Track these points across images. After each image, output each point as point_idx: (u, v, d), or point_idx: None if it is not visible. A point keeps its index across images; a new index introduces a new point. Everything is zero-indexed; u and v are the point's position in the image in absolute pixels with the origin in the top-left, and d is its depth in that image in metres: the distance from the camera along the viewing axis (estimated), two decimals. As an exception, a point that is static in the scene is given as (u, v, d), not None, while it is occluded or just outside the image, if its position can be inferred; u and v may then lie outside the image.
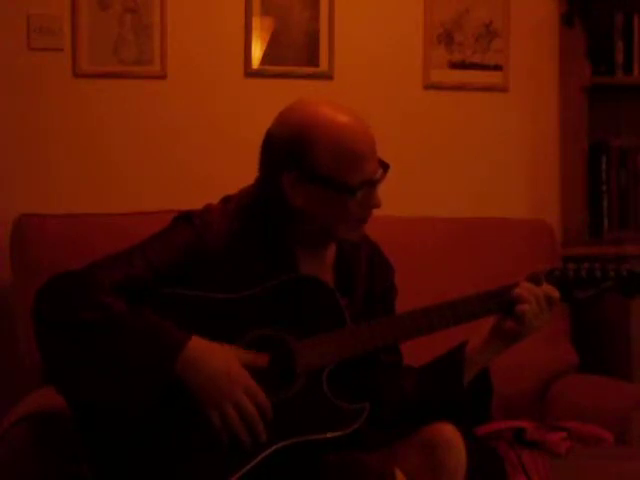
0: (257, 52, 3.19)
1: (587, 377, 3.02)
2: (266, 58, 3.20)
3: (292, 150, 1.96)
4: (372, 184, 1.98)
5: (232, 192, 2.12)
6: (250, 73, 3.19)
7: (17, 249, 2.72)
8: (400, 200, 3.15)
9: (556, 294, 1.98)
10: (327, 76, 3.23)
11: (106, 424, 1.87)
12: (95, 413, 1.87)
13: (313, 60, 3.22)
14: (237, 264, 2.00)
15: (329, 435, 1.90)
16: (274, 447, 1.87)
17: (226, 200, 2.10)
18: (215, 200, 2.10)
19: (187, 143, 3.14)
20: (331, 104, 2.01)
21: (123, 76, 3.09)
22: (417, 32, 3.32)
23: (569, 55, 3.40)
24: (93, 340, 1.84)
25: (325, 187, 1.96)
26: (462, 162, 3.38)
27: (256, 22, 3.18)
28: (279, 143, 1.99)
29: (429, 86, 3.35)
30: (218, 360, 1.86)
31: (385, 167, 2.01)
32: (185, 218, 2.04)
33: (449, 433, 1.91)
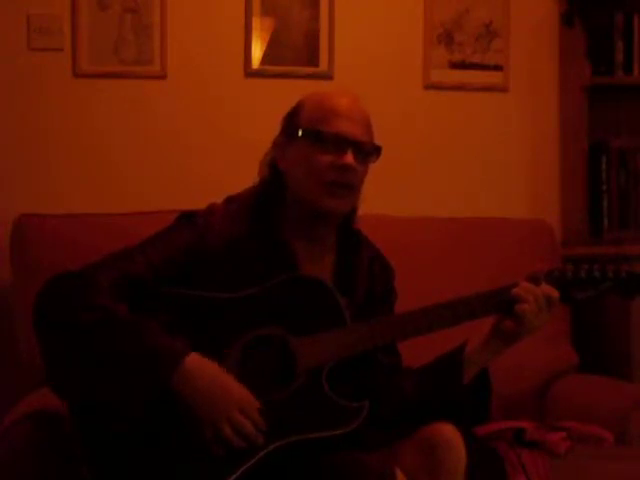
0: (257, 52, 3.19)
1: (587, 377, 3.02)
2: (266, 58, 3.20)
3: (287, 120, 2.07)
4: (344, 142, 2.01)
5: (232, 192, 2.12)
6: (250, 73, 3.19)
7: (17, 249, 2.72)
8: (400, 200, 3.16)
9: (555, 294, 1.98)
10: (327, 76, 3.23)
11: (106, 425, 1.87)
12: (95, 414, 1.87)
13: (313, 60, 3.22)
14: (237, 264, 2.01)
15: (329, 433, 1.90)
16: (273, 446, 1.87)
17: (229, 200, 2.11)
18: (214, 200, 2.10)
19: (187, 143, 3.14)
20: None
21: (123, 76, 3.09)
22: (417, 32, 3.32)
23: (569, 55, 3.40)
24: (91, 343, 1.84)
25: (301, 139, 2.02)
26: (462, 162, 3.38)
27: (256, 22, 3.18)
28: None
29: (429, 86, 3.35)
30: (214, 377, 1.86)
31: (377, 150, 2.05)
32: (188, 218, 2.05)
33: (449, 433, 1.91)
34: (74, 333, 1.85)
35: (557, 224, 3.40)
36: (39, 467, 2.10)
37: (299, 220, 2.06)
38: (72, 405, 1.90)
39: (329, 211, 2.04)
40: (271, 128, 2.11)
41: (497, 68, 3.40)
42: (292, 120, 2.07)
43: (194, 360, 1.85)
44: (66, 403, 1.91)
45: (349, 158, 2.00)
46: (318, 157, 2.00)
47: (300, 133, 2.03)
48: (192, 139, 3.15)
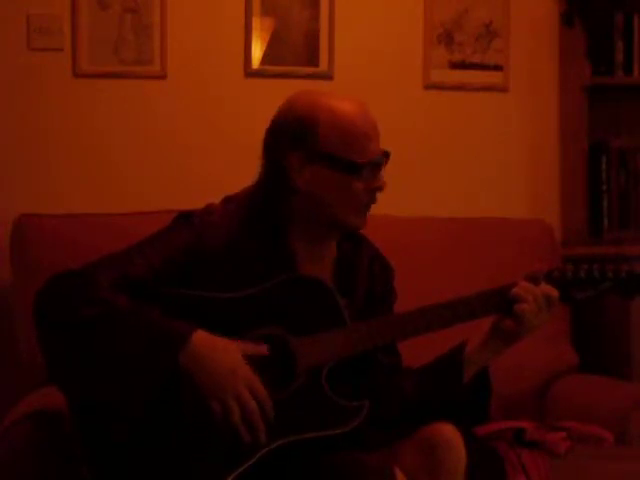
0: (257, 52, 3.19)
1: (587, 377, 3.02)
2: (266, 58, 3.20)
3: (297, 131, 1.99)
4: (377, 165, 2.01)
5: (231, 192, 2.12)
6: (250, 73, 3.19)
7: (17, 249, 2.73)
8: (400, 200, 3.15)
9: (555, 294, 1.98)
10: (327, 76, 3.23)
11: (106, 424, 1.87)
12: (96, 413, 1.87)
13: (313, 60, 3.23)
14: (237, 264, 2.00)
15: (329, 433, 1.90)
16: (273, 445, 1.87)
17: (227, 200, 2.10)
18: (215, 200, 2.10)
19: (187, 143, 3.14)
20: (333, 93, 2.08)
21: (123, 76, 3.09)
22: (417, 32, 3.33)
23: (569, 55, 3.40)
24: (94, 336, 1.84)
25: (330, 166, 1.98)
26: (462, 162, 3.39)
27: (256, 22, 3.18)
28: (284, 126, 2.02)
29: (429, 86, 3.35)
30: (222, 354, 1.85)
31: (386, 155, 2.04)
32: (186, 218, 2.04)
33: (449, 433, 1.91)
34: (75, 332, 1.84)
35: (557, 224, 3.40)
36: (39, 467, 2.10)
37: (305, 223, 2.05)
38: (72, 404, 1.90)
39: (358, 228, 2.06)
40: (271, 128, 2.11)
41: (497, 68, 3.40)
42: (305, 136, 1.98)
43: (201, 337, 1.84)
44: (67, 401, 1.91)
45: (383, 180, 2.02)
46: (355, 184, 1.99)
47: (328, 160, 1.98)
48: (192, 139, 3.15)
